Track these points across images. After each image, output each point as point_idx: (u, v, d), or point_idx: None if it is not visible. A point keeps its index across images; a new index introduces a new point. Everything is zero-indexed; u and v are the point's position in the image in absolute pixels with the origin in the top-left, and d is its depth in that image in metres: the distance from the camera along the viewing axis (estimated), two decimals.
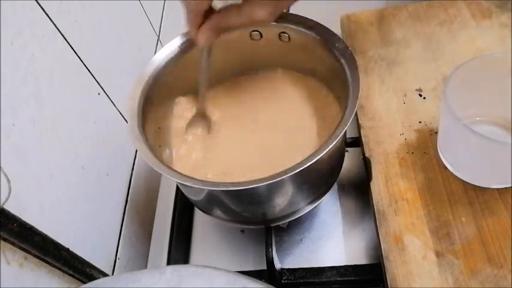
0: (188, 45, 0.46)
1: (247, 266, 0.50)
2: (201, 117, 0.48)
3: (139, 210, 0.60)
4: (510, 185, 0.39)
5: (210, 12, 0.39)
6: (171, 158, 0.47)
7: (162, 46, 0.48)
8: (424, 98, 0.48)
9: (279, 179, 0.34)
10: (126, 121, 0.42)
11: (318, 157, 0.34)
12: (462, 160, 0.41)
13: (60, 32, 0.45)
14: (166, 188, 0.59)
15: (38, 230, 0.37)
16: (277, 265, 0.46)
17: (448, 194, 0.41)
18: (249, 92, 0.52)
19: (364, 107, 0.49)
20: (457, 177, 0.41)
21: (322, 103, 0.48)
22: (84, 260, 0.43)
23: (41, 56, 0.41)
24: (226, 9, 0.39)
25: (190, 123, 0.48)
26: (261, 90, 0.52)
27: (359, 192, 0.52)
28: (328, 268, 0.46)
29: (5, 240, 0.34)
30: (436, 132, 0.45)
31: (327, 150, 0.35)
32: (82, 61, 0.49)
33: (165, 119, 0.48)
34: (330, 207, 0.51)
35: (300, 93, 0.50)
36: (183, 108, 0.50)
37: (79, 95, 0.48)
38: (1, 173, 0.34)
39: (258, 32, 0.47)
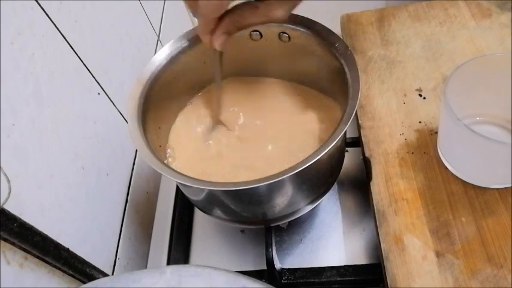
0: (188, 45, 0.46)
1: (247, 266, 0.50)
2: (218, 121, 0.48)
3: (139, 210, 0.60)
4: (510, 185, 0.39)
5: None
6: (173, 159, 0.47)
7: (162, 46, 0.48)
8: (424, 98, 0.48)
9: (279, 179, 0.34)
10: (126, 121, 0.42)
11: (318, 157, 0.34)
12: (462, 160, 0.41)
13: (60, 32, 0.45)
14: (166, 188, 0.59)
15: (38, 230, 0.37)
16: (277, 265, 0.46)
17: (448, 194, 0.41)
18: (249, 93, 0.52)
19: (364, 107, 0.49)
20: (457, 177, 0.41)
21: (322, 103, 0.48)
22: (84, 260, 0.43)
23: (41, 56, 0.41)
24: (239, 8, 0.38)
25: (209, 130, 0.49)
26: (261, 90, 0.52)
27: (359, 192, 0.52)
28: (328, 268, 0.46)
29: (5, 240, 0.34)
30: (436, 132, 0.45)
31: (327, 150, 0.35)
32: (82, 61, 0.49)
33: (166, 119, 0.48)
34: (330, 207, 0.51)
35: (300, 94, 0.50)
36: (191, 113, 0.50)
37: (79, 95, 0.48)
38: (1, 173, 0.34)
39: (258, 32, 0.47)
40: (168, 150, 0.48)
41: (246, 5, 0.38)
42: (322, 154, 0.34)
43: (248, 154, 0.46)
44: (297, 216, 0.44)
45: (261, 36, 0.47)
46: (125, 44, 0.61)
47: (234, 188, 0.36)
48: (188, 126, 0.50)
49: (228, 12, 0.38)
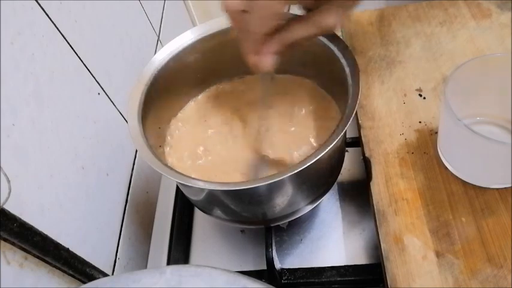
0: (188, 45, 0.46)
1: (247, 266, 0.50)
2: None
3: (139, 210, 0.60)
4: (510, 185, 0.39)
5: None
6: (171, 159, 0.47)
7: (162, 46, 0.48)
8: (424, 98, 0.48)
9: (279, 179, 0.34)
10: (126, 121, 0.42)
11: (318, 157, 0.34)
12: (462, 160, 0.41)
13: (60, 32, 0.45)
14: (166, 188, 0.59)
15: (38, 230, 0.37)
16: (277, 265, 0.46)
17: (448, 194, 0.41)
18: (249, 93, 0.52)
19: (364, 107, 0.49)
20: (457, 177, 0.41)
21: (322, 104, 0.48)
22: (84, 260, 0.43)
23: (41, 56, 0.41)
24: (285, 23, 0.34)
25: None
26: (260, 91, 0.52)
27: (359, 192, 0.52)
28: (328, 268, 0.46)
29: (5, 240, 0.34)
30: (436, 132, 0.45)
31: (327, 150, 0.35)
32: (82, 61, 0.49)
33: (166, 119, 0.48)
34: (330, 207, 0.51)
35: (300, 95, 0.50)
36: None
37: (79, 95, 0.48)
38: (1, 173, 0.34)
39: None
40: (167, 149, 0.48)
41: (292, 18, 0.35)
42: (322, 154, 0.34)
43: (247, 154, 0.46)
44: (297, 216, 0.44)
45: None
46: (125, 44, 0.61)
47: (234, 188, 0.36)
48: (189, 125, 0.50)
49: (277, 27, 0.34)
